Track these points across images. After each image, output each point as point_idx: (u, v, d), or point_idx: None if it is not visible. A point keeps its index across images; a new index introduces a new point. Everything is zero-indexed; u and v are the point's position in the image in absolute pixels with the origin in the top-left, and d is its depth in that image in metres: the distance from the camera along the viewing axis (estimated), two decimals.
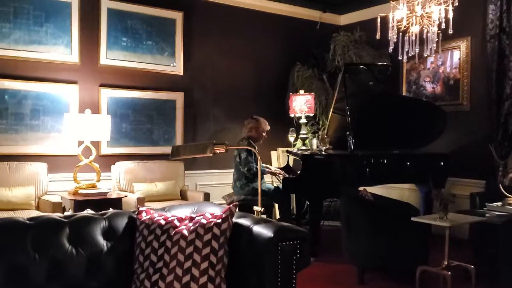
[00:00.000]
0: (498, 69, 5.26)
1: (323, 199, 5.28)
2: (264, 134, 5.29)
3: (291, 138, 5.99)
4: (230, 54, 6.32)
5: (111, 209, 4.18)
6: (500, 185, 4.52)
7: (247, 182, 5.07)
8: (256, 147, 5.21)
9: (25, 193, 4.51)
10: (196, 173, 5.98)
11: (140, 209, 2.58)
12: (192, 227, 2.39)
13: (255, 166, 4.97)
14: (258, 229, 2.38)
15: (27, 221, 2.30)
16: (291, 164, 5.82)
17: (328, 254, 4.73)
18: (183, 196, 5.41)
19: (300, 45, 6.77)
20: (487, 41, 5.36)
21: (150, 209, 2.63)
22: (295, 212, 5.74)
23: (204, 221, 2.41)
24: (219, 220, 2.40)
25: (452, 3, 4.15)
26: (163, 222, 2.46)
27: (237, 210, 2.57)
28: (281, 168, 5.58)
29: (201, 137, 6.08)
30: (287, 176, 5.26)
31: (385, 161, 4.90)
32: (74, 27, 5.19)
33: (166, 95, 5.82)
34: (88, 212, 4.08)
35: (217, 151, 2.80)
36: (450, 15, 4.15)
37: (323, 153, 4.92)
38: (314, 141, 5.26)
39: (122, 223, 2.52)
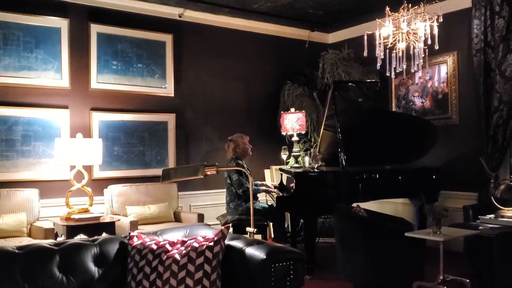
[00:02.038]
0: (485, 82, 5.31)
1: (317, 216, 5.25)
2: (247, 146, 5.26)
3: (284, 156, 5.98)
4: (220, 74, 6.34)
5: (104, 234, 4.16)
6: (492, 197, 4.52)
7: (240, 202, 5.04)
8: (246, 165, 5.19)
9: (17, 220, 4.44)
10: (190, 194, 5.94)
11: (132, 234, 2.55)
12: (184, 251, 2.37)
13: (248, 186, 4.94)
14: (251, 251, 2.36)
15: (16, 250, 2.27)
16: (284, 182, 5.80)
17: (323, 272, 4.69)
18: (177, 218, 5.36)
19: (290, 64, 6.82)
20: (473, 55, 5.42)
21: (142, 233, 2.60)
22: (290, 230, 5.69)
23: (196, 244, 2.39)
24: (211, 243, 2.38)
25: (437, 20, 4.21)
26: (154, 246, 2.43)
27: (230, 231, 2.55)
28: (274, 187, 5.55)
29: (194, 158, 6.06)
30: (281, 194, 5.25)
31: (377, 177, 4.88)
32: (64, 52, 5.20)
33: (157, 117, 5.81)
34: (80, 237, 4.04)
35: (208, 173, 2.78)
36: (436, 31, 4.21)
37: (316, 170, 4.91)
38: (307, 158, 5.25)
39: (113, 249, 2.49)
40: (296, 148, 5.94)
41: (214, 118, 6.25)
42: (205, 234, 2.58)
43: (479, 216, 4.52)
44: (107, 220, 4.68)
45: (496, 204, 4.43)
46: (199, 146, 6.14)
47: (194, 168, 2.84)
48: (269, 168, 6.57)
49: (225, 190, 5.27)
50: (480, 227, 4.25)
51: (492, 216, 4.42)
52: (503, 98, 5.16)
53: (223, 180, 5.27)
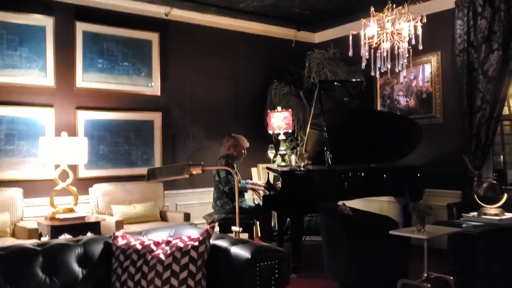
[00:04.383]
0: (469, 82, 5.35)
1: (303, 215, 5.25)
2: (243, 151, 5.27)
3: (271, 155, 5.98)
4: (207, 73, 6.31)
5: (88, 234, 4.12)
6: (475, 195, 4.56)
7: (227, 201, 5.02)
8: (235, 165, 5.18)
9: (0, 220, 4.36)
10: (176, 193, 5.91)
11: (116, 234, 2.52)
12: (169, 251, 2.35)
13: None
14: (236, 250, 2.35)
15: None
16: (271, 180, 5.80)
17: (310, 270, 4.69)
18: (163, 217, 5.33)
19: (276, 63, 6.81)
20: (456, 55, 5.46)
21: (127, 233, 2.57)
22: (277, 229, 5.70)
23: (181, 244, 2.37)
24: (196, 243, 2.36)
25: (421, 20, 4.24)
26: (139, 246, 2.41)
27: (214, 231, 2.53)
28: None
29: (180, 157, 6.02)
30: (268, 192, 5.25)
31: (363, 175, 4.90)
32: (49, 51, 5.12)
33: (143, 116, 5.76)
34: (65, 237, 3.99)
35: (194, 172, 2.77)
36: (419, 31, 4.23)
37: (302, 169, 4.91)
38: (293, 157, 5.26)
39: (97, 249, 2.46)
40: (282, 147, 5.94)
41: (201, 117, 6.22)
42: (190, 233, 2.56)
43: (463, 214, 4.56)
44: (92, 219, 4.63)
45: (479, 202, 4.47)
46: (185, 145, 6.11)
47: (179, 167, 2.82)
48: (256, 167, 6.56)
49: (211, 188, 5.25)
50: (463, 225, 4.29)
51: (475, 213, 4.46)
52: (486, 98, 5.22)
53: (211, 178, 5.25)
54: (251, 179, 6.42)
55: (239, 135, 5.29)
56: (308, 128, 5.43)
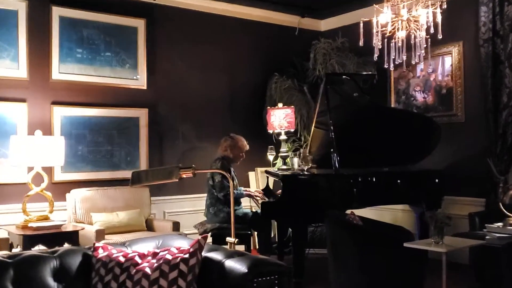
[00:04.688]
0: (494, 76, 5.38)
1: (307, 225, 5.26)
2: (242, 154, 5.30)
3: (270, 157, 5.99)
4: (200, 64, 6.33)
5: (66, 245, 4.13)
6: (501, 204, 4.58)
7: (222, 208, 5.04)
8: (232, 168, 5.20)
9: None
10: (164, 199, 5.93)
11: (96, 244, 2.54)
12: (155, 264, 2.36)
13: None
14: (231, 263, 2.37)
15: None
16: (271, 186, 5.81)
17: (313, 286, 4.71)
18: (149, 226, 5.35)
19: (277, 54, 6.84)
20: (480, 46, 5.49)
21: (108, 244, 2.59)
22: (276, 240, 5.71)
23: (169, 256, 2.38)
24: (187, 255, 2.37)
25: (440, 6, 4.25)
26: (122, 259, 2.43)
27: (207, 242, 2.54)
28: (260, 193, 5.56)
29: (169, 158, 6.04)
30: (266, 199, 5.26)
31: (374, 180, 4.92)
32: (22, 38, 5.14)
33: (128, 112, 5.78)
34: (38, 248, 4.00)
35: (184, 176, 2.78)
36: (439, 18, 4.24)
37: (306, 173, 4.93)
38: (296, 159, 5.27)
39: (75, 261, 2.47)
40: (284, 148, 5.95)
41: (193, 114, 6.24)
42: (180, 245, 2.57)
43: (486, 225, 4.58)
44: (70, 228, 4.66)
45: (505, 211, 4.48)
46: (175, 146, 6.13)
47: (167, 170, 2.83)
48: (254, 171, 6.58)
49: (204, 194, 5.27)
50: (487, 237, 4.30)
51: (500, 224, 4.47)
52: None
53: (203, 183, 5.27)
54: (249, 185, 6.44)
55: (238, 135, 5.31)
56: (312, 127, 5.45)
